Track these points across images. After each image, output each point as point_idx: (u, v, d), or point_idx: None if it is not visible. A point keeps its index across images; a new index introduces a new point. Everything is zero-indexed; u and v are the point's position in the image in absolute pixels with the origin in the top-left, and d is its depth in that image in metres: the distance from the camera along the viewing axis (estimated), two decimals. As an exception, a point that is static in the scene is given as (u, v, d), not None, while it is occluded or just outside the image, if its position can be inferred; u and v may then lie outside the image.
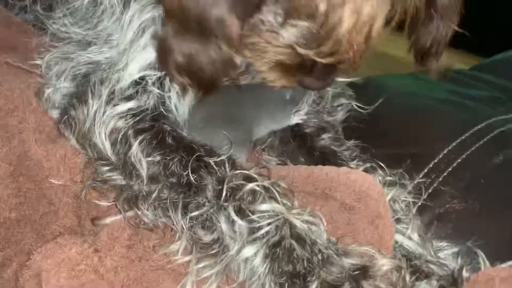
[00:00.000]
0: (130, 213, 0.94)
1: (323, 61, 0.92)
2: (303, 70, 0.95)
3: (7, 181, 1.01)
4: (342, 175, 0.94)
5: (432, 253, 0.97)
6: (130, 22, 0.99)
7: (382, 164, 1.07)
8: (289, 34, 0.92)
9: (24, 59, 1.17)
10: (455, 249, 0.99)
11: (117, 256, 0.90)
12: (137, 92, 1.00)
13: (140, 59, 0.99)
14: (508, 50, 1.78)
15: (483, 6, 2.54)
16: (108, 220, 0.96)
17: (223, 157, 0.94)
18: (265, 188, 0.90)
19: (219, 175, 0.91)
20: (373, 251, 0.87)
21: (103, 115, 0.98)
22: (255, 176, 0.92)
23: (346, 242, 0.89)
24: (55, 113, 1.06)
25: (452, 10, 1.05)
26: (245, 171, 0.92)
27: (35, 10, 1.27)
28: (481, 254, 0.96)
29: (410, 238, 0.97)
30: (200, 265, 0.88)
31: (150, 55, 0.99)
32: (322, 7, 0.88)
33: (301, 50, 0.92)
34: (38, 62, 1.11)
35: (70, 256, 0.86)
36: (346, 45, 0.90)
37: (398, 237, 0.96)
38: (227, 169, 0.92)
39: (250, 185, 0.89)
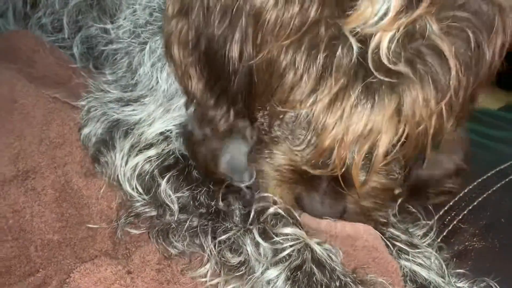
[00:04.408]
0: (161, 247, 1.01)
1: (311, 171, 0.88)
2: (304, 185, 0.92)
3: (52, 206, 1.11)
4: (339, 227, 0.97)
5: (450, 284, 1.00)
6: (161, 87, 1.10)
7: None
8: (286, 139, 0.93)
9: (71, 95, 1.30)
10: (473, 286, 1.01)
11: (148, 278, 0.96)
12: (157, 141, 1.10)
13: (166, 118, 1.09)
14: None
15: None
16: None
17: (250, 182, 1.01)
18: (288, 211, 0.95)
19: (248, 198, 0.98)
20: (388, 283, 0.90)
21: (125, 165, 1.09)
22: (278, 200, 0.97)
23: (360, 273, 0.93)
24: (91, 152, 1.17)
25: (457, 145, 1.00)
26: (269, 195, 0.98)
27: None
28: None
29: (428, 268, 0.99)
30: (228, 287, 0.94)
31: (175, 115, 1.09)
32: (303, 107, 0.83)
33: (292, 155, 0.91)
34: (82, 103, 1.23)
35: (106, 276, 0.93)
36: (337, 158, 0.84)
37: (416, 267, 0.99)
38: (255, 194, 0.99)
39: (274, 207, 0.95)
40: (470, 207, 1.17)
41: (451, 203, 1.18)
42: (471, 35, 0.80)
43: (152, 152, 1.08)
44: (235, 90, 0.92)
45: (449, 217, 1.16)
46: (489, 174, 1.24)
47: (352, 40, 0.77)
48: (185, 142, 1.05)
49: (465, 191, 1.20)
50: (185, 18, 0.95)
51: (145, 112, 1.11)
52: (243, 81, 0.91)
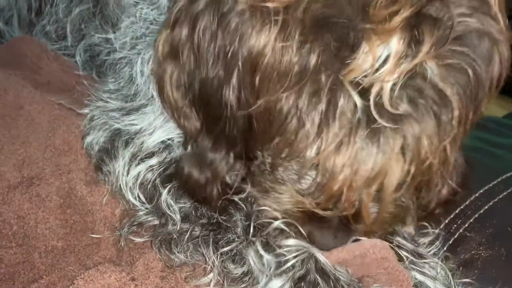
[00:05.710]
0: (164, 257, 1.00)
1: (321, 213, 0.88)
2: (314, 222, 0.92)
3: (56, 212, 1.11)
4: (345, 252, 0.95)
5: None
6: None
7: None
8: (292, 181, 0.91)
9: (76, 102, 1.30)
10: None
11: (152, 285, 0.96)
12: (158, 149, 1.09)
13: (166, 127, 1.09)
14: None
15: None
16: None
17: (246, 193, 0.99)
18: (290, 226, 0.95)
19: (247, 210, 0.98)
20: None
21: (127, 174, 1.08)
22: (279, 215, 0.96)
23: (367, 281, 0.93)
24: (94, 161, 1.17)
25: (456, 170, 0.97)
26: (269, 209, 0.97)
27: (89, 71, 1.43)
28: None
29: (434, 279, 0.99)
30: None
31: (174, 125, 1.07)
32: (309, 153, 0.83)
33: (300, 198, 0.91)
34: (85, 110, 1.23)
35: (110, 283, 0.93)
36: (345, 201, 0.84)
37: (422, 277, 0.98)
38: (253, 205, 0.98)
39: (277, 222, 0.94)
40: (476, 215, 1.17)
41: (457, 211, 1.17)
42: (470, 71, 0.80)
43: (153, 161, 1.08)
44: (233, 134, 0.91)
45: (455, 226, 1.15)
46: (495, 182, 1.24)
47: (353, 94, 0.77)
48: (183, 184, 1.01)
49: (471, 199, 1.20)
50: (175, 61, 0.94)
51: (145, 121, 1.11)
52: (242, 126, 0.90)
